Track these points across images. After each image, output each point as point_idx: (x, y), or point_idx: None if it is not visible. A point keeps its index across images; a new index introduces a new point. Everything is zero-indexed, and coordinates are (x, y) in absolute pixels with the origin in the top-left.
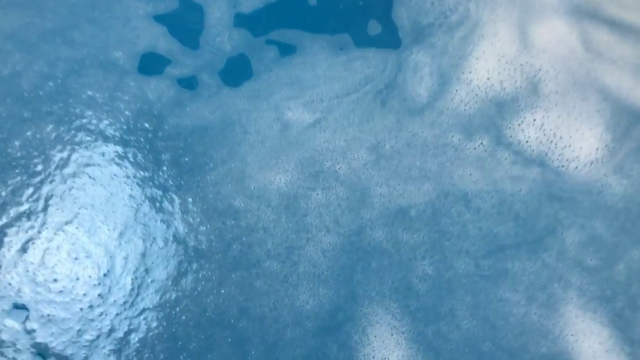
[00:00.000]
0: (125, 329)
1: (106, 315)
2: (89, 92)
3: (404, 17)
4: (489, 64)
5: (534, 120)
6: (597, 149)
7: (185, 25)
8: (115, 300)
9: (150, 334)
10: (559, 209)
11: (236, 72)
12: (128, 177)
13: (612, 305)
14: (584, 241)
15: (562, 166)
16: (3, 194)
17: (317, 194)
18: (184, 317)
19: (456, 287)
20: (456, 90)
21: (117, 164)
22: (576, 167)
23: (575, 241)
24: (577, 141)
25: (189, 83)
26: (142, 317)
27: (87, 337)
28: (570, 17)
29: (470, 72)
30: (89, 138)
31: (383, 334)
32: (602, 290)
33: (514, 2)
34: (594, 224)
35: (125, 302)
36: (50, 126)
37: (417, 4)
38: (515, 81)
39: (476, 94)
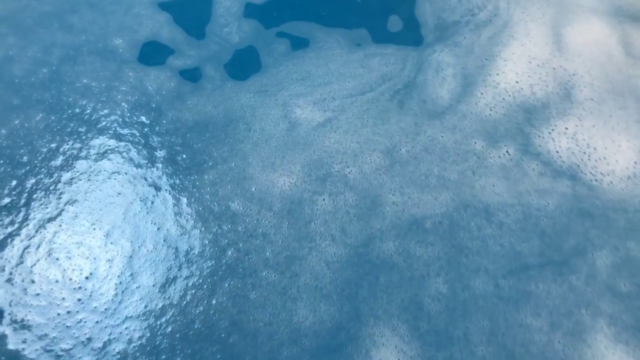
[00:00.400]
0: (105, 338)
1: (85, 322)
2: (85, 81)
3: (427, 13)
4: (519, 66)
5: (566, 128)
6: (635, 163)
7: (191, 13)
8: (96, 307)
9: (132, 345)
10: (590, 227)
11: (243, 65)
12: (119, 173)
13: None
14: (617, 264)
15: (596, 180)
16: None
17: (323, 200)
18: (169, 329)
19: (472, 309)
20: (481, 94)
21: (109, 159)
22: (611, 182)
23: (607, 263)
24: (612, 153)
25: (191, 75)
26: (124, 326)
27: (63, 345)
28: (610, 19)
29: (497, 74)
30: (80, 129)
31: (389, 357)
32: (636, 320)
33: (549, 1)
34: (628, 245)
35: (106, 309)
36: (40, 115)
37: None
38: (547, 86)
39: (503, 98)
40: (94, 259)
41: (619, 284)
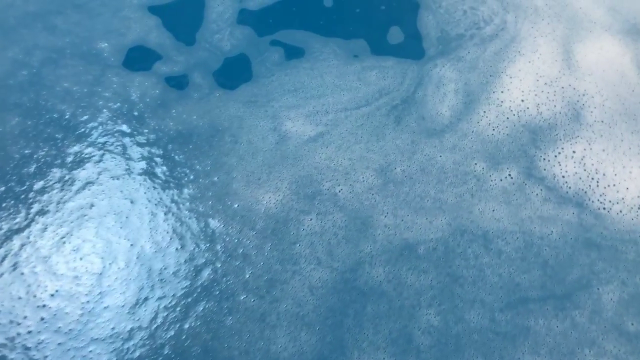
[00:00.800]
0: None
1: (47, 343)
2: (65, 85)
3: (430, 25)
4: (525, 84)
5: (574, 152)
6: None
7: (182, 18)
8: (60, 327)
9: None
10: (596, 259)
11: (233, 73)
12: (94, 183)
13: None
14: (624, 300)
15: (604, 208)
16: None
17: (310, 219)
18: (137, 354)
19: (465, 344)
20: (484, 112)
21: (84, 168)
22: (620, 211)
23: (613, 299)
24: (623, 180)
25: (178, 82)
26: (88, 349)
27: None
28: (624, 37)
29: (502, 91)
30: (57, 136)
31: None
32: None
33: (559, 16)
34: (638, 281)
35: (71, 330)
36: (16, 119)
37: (447, 11)
38: (555, 106)
39: (507, 117)
40: (61, 275)
41: (626, 323)
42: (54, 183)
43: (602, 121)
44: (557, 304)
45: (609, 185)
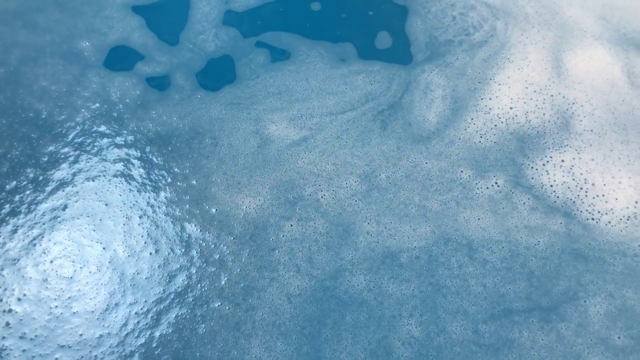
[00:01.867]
0: None
1: (11, 350)
2: (44, 84)
3: (419, 30)
4: (514, 91)
5: (562, 161)
6: (637, 202)
7: (166, 18)
8: (25, 333)
9: None
10: (584, 271)
11: (216, 75)
12: (68, 185)
13: None
14: (612, 313)
15: (592, 219)
16: None
17: (291, 225)
18: None
19: (447, 357)
20: (472, 119)
21: (59, 169)
22: (609, 222)
23: (600, 312)
24: (612, 190)
25: (159, 83)
26: (55, 356)
27: None
28: (614, 46)
29: (490, 98)
30: (33, 135)
31: None
32: None
33: (550, 24)
34: (625, 293)
35: (37, 337)
36: None
37: (436, 17)
38: (544, 114)
39: (495, 125)
40: (30, 278)
41: (613, 336)
42: (27, 183)
43: (592, 130)
44: (542, 316)
45: (597, 196)
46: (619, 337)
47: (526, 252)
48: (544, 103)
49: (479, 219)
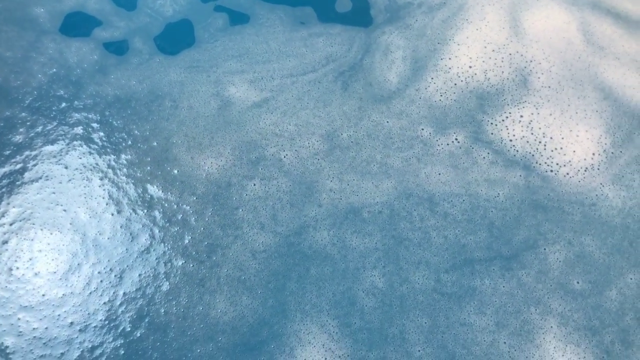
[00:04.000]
0: None
1: None
2: None
3: None
4: (473, 51)
5: (521, 116)
6: (594, 154)
7: None
8: None
9: (25, 338)
10: (543, 220)
11: (175, 39)
12: (26, 149)
13: (599, 338)
14: (570, 260)
15: (551, 171)
16: None
17: (254, 184)
18: (69, 321)
19: (410, 306)
20: (432, 78)
21: (17, 133)
22: (567, 174)
23: (559, 259)
24: (570, 143)
25: (117, 48)
26: (17, 316)
27: None
28: (570, 5)
29: (450, 58)
30: None
31: (315, 357)
32: (588, 320)
33: None
34: (583, 241)
35: None
36: None
37: None
38: (502, 72)
39: (455, 84)
40: None
41: (572, 281)
42: None
43: (549, 87)
44: (503, 265)
45: (556, 149)
46: (577, 282)
47: (486, 204)
48: (502, 61)
49: (439, 174)
